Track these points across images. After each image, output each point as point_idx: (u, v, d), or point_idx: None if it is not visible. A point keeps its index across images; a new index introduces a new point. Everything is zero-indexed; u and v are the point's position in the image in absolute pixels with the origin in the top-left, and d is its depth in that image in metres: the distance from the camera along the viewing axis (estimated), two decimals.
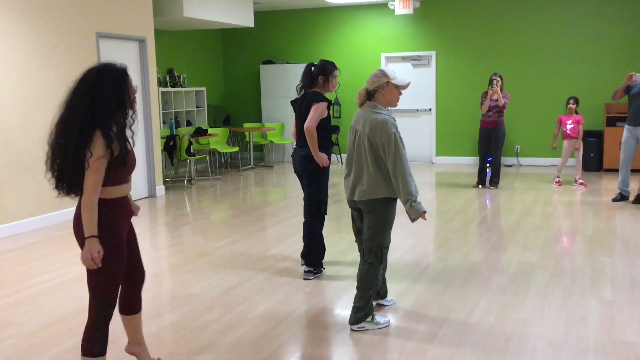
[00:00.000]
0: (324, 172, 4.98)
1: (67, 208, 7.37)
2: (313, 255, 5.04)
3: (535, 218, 6.95)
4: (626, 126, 7.65)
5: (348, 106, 12.27)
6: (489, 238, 6.15)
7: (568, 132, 8.78)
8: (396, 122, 3.78)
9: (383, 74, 3.76)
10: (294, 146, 5.18)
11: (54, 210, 7.21)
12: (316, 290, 4.69)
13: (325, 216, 5.10)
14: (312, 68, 4.99)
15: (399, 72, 11.82)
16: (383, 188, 3.74)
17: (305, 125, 4.82)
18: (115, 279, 2.92)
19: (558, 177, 9.09)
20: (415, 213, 3.61)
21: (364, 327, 3.89)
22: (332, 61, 5.02)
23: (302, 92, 5.04)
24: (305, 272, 5.04)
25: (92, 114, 2.76)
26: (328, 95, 5.05)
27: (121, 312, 3.20)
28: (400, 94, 3.77)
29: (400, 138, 3.68)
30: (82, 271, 5.29)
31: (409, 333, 3.84)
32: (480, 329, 3.88)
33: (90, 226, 2.75)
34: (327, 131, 4.99)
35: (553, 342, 3.66)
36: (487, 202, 8.04)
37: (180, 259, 5.60)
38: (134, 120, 2.94)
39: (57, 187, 2.85)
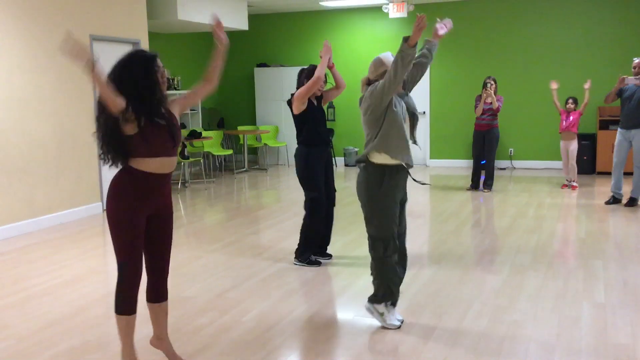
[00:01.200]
0: (310, 169, 5.24)
1: (61, 211, 7.36)
2: (298, 245, 5.46)
3: (528, 220, 6.97)
4: (619, 129, 7.68)
5: (343, 109, 12.28)
6: (482, 240, 6.17)
7: (565, 125, 8.80)
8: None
9: (381, 62, 3.80)
10: None
11: (47, 213, 7.19)
12: (310, 293, 4.69)
13: (317, 212, 5.31)
14: (302, 72, 5.31)
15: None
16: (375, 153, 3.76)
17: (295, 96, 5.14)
18: (125, 246, 3.13)
19: (567, 180, 9.08)
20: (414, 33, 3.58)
21: (372, 311, 3.99)
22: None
23: None
24: (294, 257, 5.50)
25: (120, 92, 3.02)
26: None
27: (148, 300, 3.40)
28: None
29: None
30: (75, 274, 5.28)
31: (402, 335, 3.85)
32: (473, 331, 3.89)
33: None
34: (314, 128, 5.22)
35: (546, 345, 3.67)
36: (481, 204, 8.05)
37: (174, 262, 5.58)
38: (161, 100, 3.16)
39: (101, 156, 3.15)
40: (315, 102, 5.31)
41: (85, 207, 7.72)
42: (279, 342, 3.80)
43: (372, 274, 4.00)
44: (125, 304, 3.22)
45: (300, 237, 5.44)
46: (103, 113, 3.08)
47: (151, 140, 3.08)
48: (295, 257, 5.47)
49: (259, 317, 4.20)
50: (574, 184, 8.93)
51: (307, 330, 3.98)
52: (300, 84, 5.27)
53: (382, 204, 3.79)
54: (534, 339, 3.76)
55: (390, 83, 3.62)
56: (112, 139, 3.09)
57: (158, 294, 3.39)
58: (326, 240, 5.59)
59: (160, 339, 3.48)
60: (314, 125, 5.22)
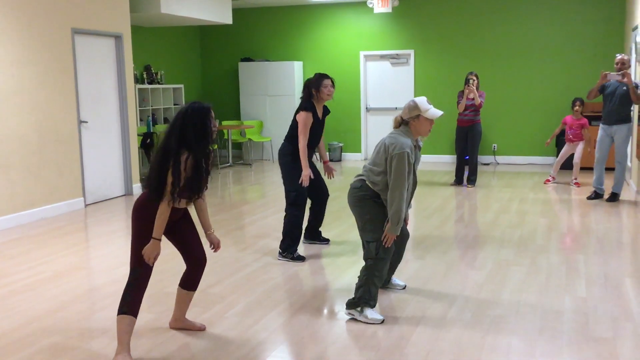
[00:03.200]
0: (295, 165, 5.40)
1: (42, 206, 7.28)
2: (284, 240, 5.45)
3: (511, 216, 7.02)
4: (601, 125, 7.74)
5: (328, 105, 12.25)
6: (465, 236, 6.20)
7: (570, 136, 8.80)
8: (413, 151, 3.97)
9: (416, 106, 3.94)
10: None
11: (28, 209, 7.11)
12: (295, 289, 4.69)
13: (301, 205, 5.44)
14: (310, 82, 5.49)
15: (379, 70, 11.97)
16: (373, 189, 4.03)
17: (299, 145, 5.36)
18: (141, 255, 3.43)
19: (552, 175, 9.10)
20: (389, 232, 3.93)
21: (352, 315, 4.03)
22: (325, 73, 5.52)
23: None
24: (279, 252, 5.48)
25: (181, 141, 3.39)
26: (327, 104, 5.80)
27: (180, 285, 3.81)
28: (432, 123, 3.97)
29: (410, 163, 3.88)
30: (57, 270, 5.23)
31: (385, 330, 3.86)
32: (456, 325, 3.91)
33: (158, 230, 3.39)
34: (311, 133, 5.43)
35: (528, 339, 3.70)
36: (464, 199, 8.09)
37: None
38: (210, 151, 3.51)
39: (144, 186, 3.50)
40: (320, 116, 5.55)
41: (67, 202, 7.64)
42: (262, 337, 3.79)
43: (359, 277, 4.08)
44: (131, 305, 3.45)
45: (284, 231, 5.44)
46: (158, 156, 3.43)
47: (195, 184, 3.45)
48: (279, 253, 5.46)
49: (243, 313, 4.19)
50: (577, 180, 8.89)
51: (291, 325, 3.98)
52: (306, 92, 5.46)
53: (374, 210, 4.01)
54: (517, 333, 3.79)
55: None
56: (158, 179, 3.39)
57: (192, 283, 3.79)
58: (318, 224, 5.85)
59: (179, 320, 3.89)
60: (309, 134, 5.41)
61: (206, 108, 3.45)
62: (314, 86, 5.40)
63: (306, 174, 5.33)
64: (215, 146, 11.19)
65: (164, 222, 3.40)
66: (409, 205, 4.20)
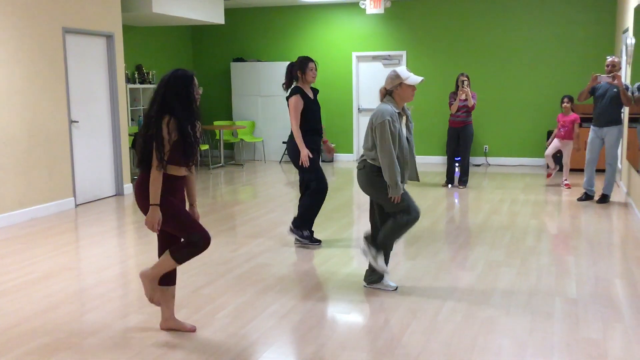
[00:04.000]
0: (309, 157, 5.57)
1: (32, 206, 7.24)
2: (296, 218, 5.73)
3: (502, 217, 7.04)
4: (591, 127, 7.78)
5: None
6: (457, 237, 6.21)
7: (562, 133, 8.84)
8: (397, 117, 4.28)
9: (397, 75, 4.28)
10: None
11: (18, 209, 7.07)
12: (286, 289, 4.68)
13: (324, 191, 5.70)
14: (292, 66, 5.59)
15: (371, 71, 11.98)
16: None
17: (292, 128, 5.51)
18: (190, 221, 3.58)
19: (549, 172, 9.20)
20: (392, 194, 4.26)
21: (367, 249, 4.44)
22: (308, 56, 5.61)
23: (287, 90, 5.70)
24: (291, 229, 5.79)
25: (163, 107, 3.44)
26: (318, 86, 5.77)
27: (159, 283, 3.76)
28: (415, 89, 4.29)
29: (393, 128, 4.19)
30: (46, 271, 5.20)
31: (377, 331, 3.86)
32: (447, 327, 3.91)
33: (154, 196, 3.45)
34: (307, 120, 5.57)
35: (519, 340, 3.71)
36: (456, 200, 8.12)
37: (148, 258, 5.54)
38: (196, 116, 3.55)
39: (162, 163, 3.49)
40: (312, 96, 5.66)
41: (57, 202, 7.61)
42: (254, 338, 3.79)
43: (383, 229, 4.41)
44: (184, 257, 3.61)
45: (303, 206, 5.67)
46: (145, 124, 3.50)
47: (186, 148, 3.47)
48: (293, 226, 5.74)
49: (234, 314, 4.18)
50: (568, 182, 8.93)
51: (282, 326, 3.97)
52: (290, 76, 5.57)
53: (385, 189, 4.30)
54: (507, 334, 3.79)
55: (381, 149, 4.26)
56: (145, 147, 3.47)
57: (170, 278, 3.78)
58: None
59: (169, 320, 3.85)
60: (307, 117, 5.54)
61: (189, 75, 3.48)
62: (299, 68, 5.52)
63: (304, 153, 5.47)
64: (206, 147, 11.18)
65: (158, 187, 3.45)
66: (415, 174, 4.45)
